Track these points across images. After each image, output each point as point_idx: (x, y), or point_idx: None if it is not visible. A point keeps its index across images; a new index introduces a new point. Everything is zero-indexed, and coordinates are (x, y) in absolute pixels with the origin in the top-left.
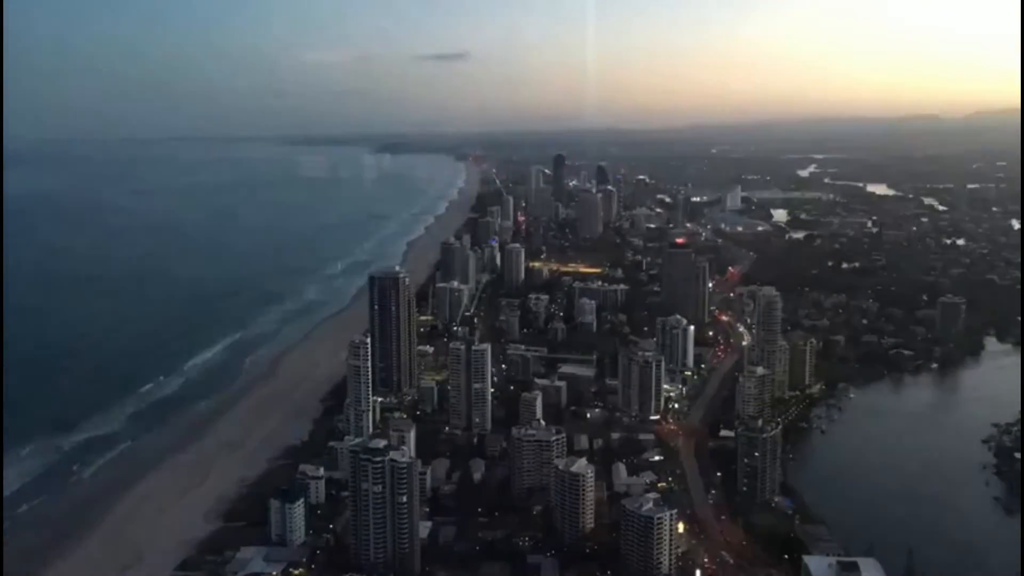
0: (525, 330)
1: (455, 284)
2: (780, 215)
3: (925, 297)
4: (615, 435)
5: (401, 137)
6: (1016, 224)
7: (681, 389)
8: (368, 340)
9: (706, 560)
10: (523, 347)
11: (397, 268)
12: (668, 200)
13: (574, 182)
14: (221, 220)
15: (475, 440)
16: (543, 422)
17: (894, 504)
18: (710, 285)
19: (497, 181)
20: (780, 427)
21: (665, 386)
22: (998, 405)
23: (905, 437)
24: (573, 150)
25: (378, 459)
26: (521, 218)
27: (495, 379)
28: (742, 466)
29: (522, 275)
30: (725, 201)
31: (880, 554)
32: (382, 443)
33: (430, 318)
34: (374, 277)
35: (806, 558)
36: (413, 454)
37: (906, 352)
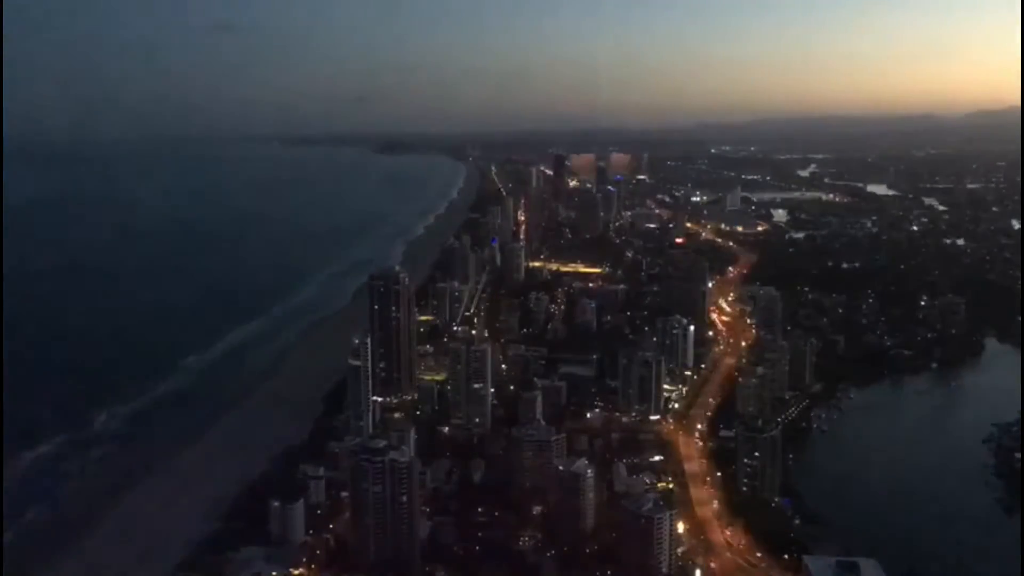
0: (525, 330)
1: (455, 284)
2: (780, 215)
3: (925, 297)
4: (615, 435)
5: (401, 137)
6: (1016, 224)
7: (681, 389)
8: (368, 340)
9: (706, 560)
10: (523, 347)
11: (397, 267)
12: (668, 200)
13: (574, 182)
14: (226, 220)
15: (475, 440)
16: (543, 422)
17: (894, 504)
18: (710, 285)
19: (496, 181)
20: (780, 427)
21: (665, 386)
22: (998, 405)
23: (905, 437)
24: (573, 150)
25: (378, 459)
26: (521, 218)
27: (495, 379)
28: (742, 466)
29: (522, 275)
30: (725, 201)
31: (880, 554)
32: (382, 443)
33: (430, 318)
34: (374, 276)
35: (806, 558)
36: (413, 454)
37: (906, 352)
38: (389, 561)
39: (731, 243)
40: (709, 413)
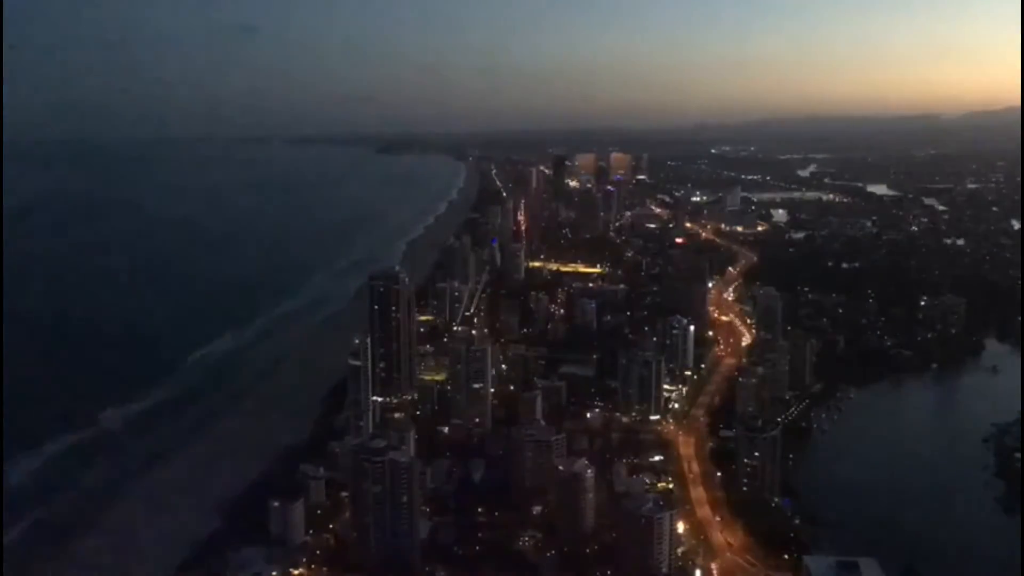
0: (525, 330)
1: (455, 284)
2: (780, 215)
3: (925, 297)
4: (615, 435)
5: (401, 137)
6: (1016, 224)
7: (681, 389)
8: (368, 340)
9: (706, 560)
10: (523, 347)
11: (397, 267)
12: (668, 200)
13: (574, 182)
14: (231, 220)
15: (475, 440)
16: (543, 422)
17: (894, 504)
18: (710, 285)
19: (497, 181)
20: (780, 427)
21: (665, 386)
22: (998, 405)
23: (905, 437)
24: (573, 150)
25: (378, 459)
26: (521, 218)
27: (495, 379)
28: (742, 466)
29: (522, 275)
30: (725, 201)
31: (880, 554)
32: (382, 443)
33: (430, 318)
34: (374, 276)
35: (806, 558)
36: (413, 454)
37: (906, 352)
38: (389, 561)
39: (731, 243)
40: (709, 413)
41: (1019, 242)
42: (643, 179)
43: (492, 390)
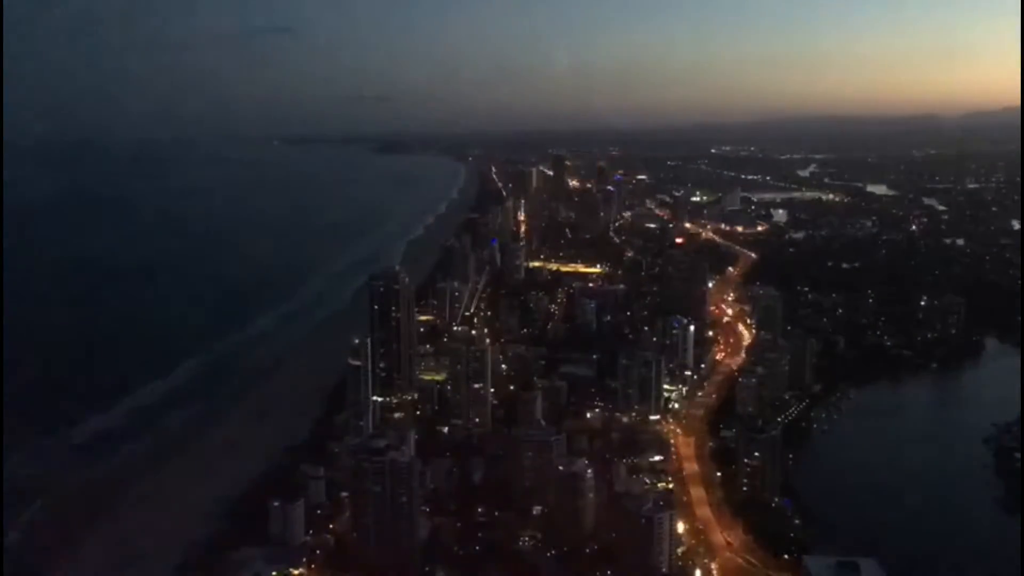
0: (525, 330)
1: (455, 284)
2: (780, 215)
3: (925, 297)
4: (615, 435)
5: (400, 137)
6: (1016, 224)
7: (681, 389)
8: (368, 340)
9: (706, 560)
10: (523, 347)
11: (397, 267)
12: (668, 200)
13: (574, 182)
14: (230, 220)
15: (475, 440)
16: (543, 422)
17: (894, 504)
18: (710, 285)
19: (497, 181)
20: (780, 427)
21: (665, 386)
22: (998, 405)
23: (905, 437)
24: (573, 150)
25: (378, 459)
26: (521, 218)
27: (495, 379)
28: (742, 466)
29: (522, 275)
30: (725, 201)
31: (880, 554)
32: (382, 443)
33: (430, 318)
34: (374, 276)
35: (806, 558)
36: (413, 454)
37: (906, 352)
38: (389, 561)
39: (731, 243)
40: (709, 413)
41: (1019, 242)
42: (643, 179)
43: (492, 390)
